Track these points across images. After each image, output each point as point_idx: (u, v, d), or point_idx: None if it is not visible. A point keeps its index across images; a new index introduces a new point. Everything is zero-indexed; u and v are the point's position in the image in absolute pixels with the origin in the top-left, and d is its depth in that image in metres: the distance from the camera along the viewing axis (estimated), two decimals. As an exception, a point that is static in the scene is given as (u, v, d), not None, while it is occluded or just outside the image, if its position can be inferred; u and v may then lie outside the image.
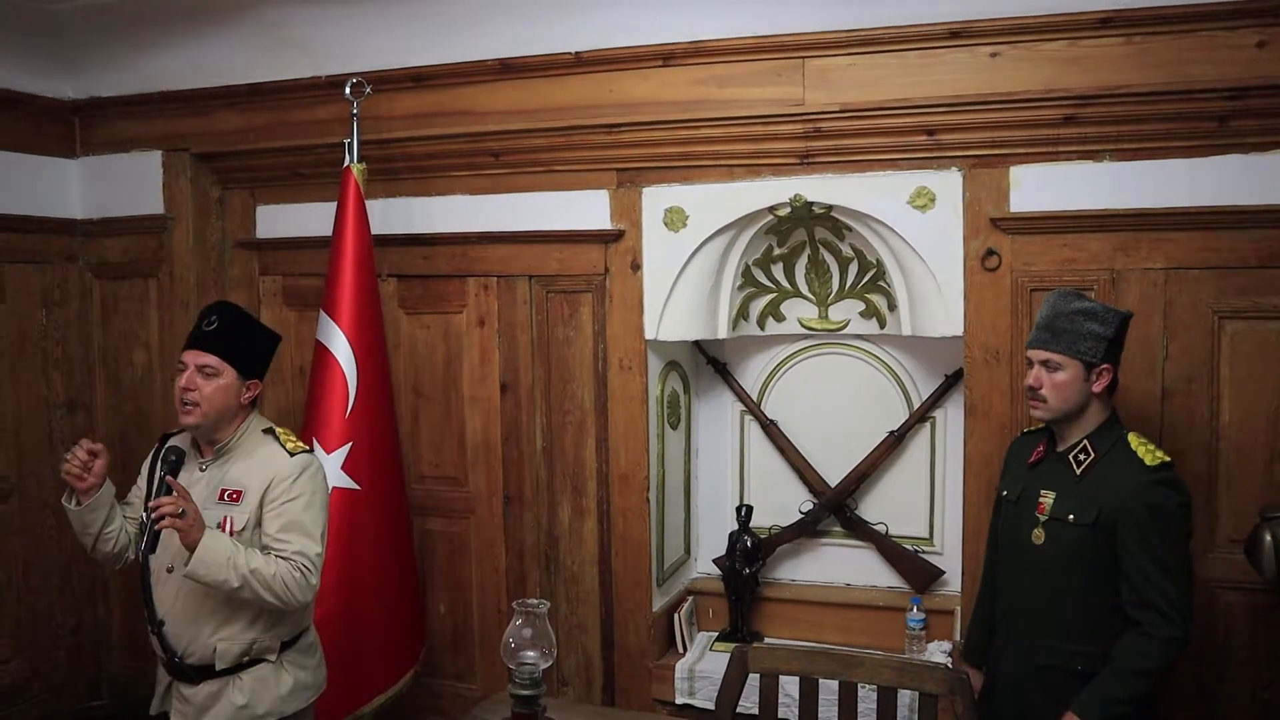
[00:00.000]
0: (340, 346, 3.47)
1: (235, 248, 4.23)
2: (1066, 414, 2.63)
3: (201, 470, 2.70)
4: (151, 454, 2.76)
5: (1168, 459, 2.55)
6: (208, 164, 4.14)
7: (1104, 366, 2.59)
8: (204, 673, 2.62)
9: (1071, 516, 2.58)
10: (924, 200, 3.23)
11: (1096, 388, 2.60)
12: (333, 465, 3.41)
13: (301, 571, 2.57)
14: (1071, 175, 3.09)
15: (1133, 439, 2.59)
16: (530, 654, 2.31)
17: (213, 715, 2.62)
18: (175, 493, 2.44)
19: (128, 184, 4.19)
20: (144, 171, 4.16)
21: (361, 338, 3.50)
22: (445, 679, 3.96)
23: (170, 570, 2.61)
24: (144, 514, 2.46)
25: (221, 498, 2.64)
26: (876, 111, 3.20)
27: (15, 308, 4.01)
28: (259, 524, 2.62)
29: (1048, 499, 2.65)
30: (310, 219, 4.01)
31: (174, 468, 2.58)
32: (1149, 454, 2.54)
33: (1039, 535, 2.65)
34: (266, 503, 2.62)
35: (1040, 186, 3.12)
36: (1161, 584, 2.45)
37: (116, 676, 4.38)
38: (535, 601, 2.38)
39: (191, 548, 2.42)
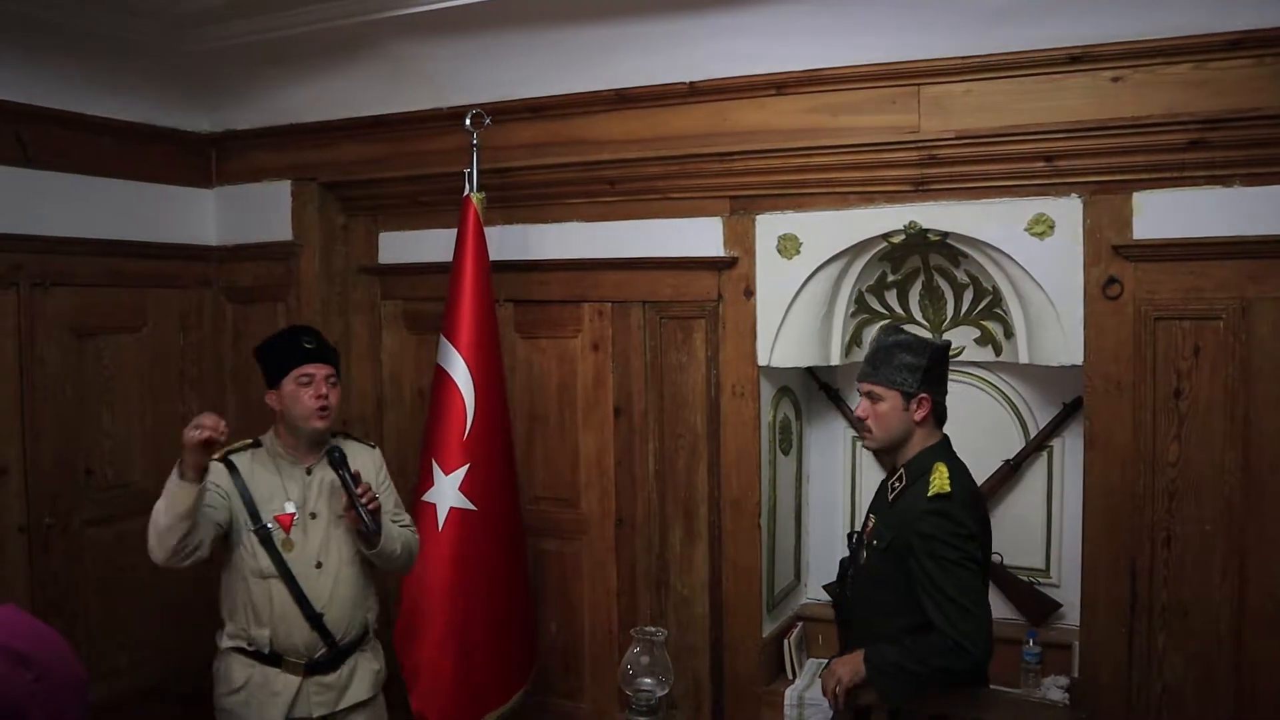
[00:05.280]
0: (459, 370, 3.56)
1: (358, 273, 4.38)
2: (892, 443, 2.76)
3: (309, 474, 3.00)
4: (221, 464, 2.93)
5: (946, 490, 2.59)
6: (334, 192, 4.30)
7: (921, 396, 2.71)
8: (350, 649, 2.99)
9: (875, 541, 2.72)
10: (1043, 227, 3.18)
11: (917, 416, 2.73)
12: (450, 486, 3.51)
13: (417, 536, 3.19)
14: (1198, 201, 3.00)
15: (936, 468, 2.64)
16: (647, 681, 2.37)
17: (356, 686, 3.01)
18: (363, 483, 2.88)
19: (259, 212, 4.37)
20: (274, 200, 4.33)
21: (480, 362, 3.58)
22: (556, 697, 4.01)
23: (319, 565, 2.93)
24: (355, 505, 2.83)
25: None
26: (994, 138, 3.16)
27: (155, 330, 4.22)
28: None
29: (871, 523, 2.84)
30: (430, 245, 4.11)
31: (346, 463, 2.89)
32: (935, 484, 2.60)
33: (864, 556, 2.84)
34: (378, 485, 3.07)
35: (1165, 213, 3.04)
36: (940, 607, 2.52)
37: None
38: (653, 630, 2.43)
39: (378, 528, 2.86)
